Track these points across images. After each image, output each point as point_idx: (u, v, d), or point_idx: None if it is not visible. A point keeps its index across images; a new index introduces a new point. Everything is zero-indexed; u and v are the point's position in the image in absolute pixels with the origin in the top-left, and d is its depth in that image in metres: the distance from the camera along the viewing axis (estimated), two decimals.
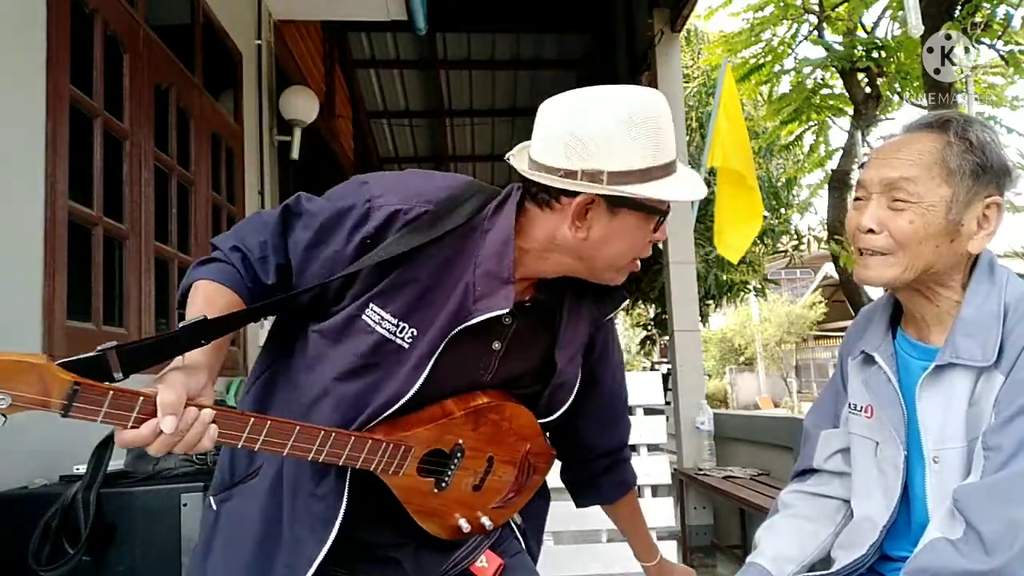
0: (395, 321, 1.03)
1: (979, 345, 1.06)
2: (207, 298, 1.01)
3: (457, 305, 1.04)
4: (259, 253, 1.06)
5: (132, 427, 0.84)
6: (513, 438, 1.19)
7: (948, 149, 1.07)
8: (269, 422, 0.94)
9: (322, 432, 0.98)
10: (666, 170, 1.00)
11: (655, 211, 1.03)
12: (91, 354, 0.83)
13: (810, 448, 1.31)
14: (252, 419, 0.93)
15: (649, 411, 1.87)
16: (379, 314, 1.03)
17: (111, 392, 0.82)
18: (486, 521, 1.20)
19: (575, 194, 0.99)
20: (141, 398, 0.84)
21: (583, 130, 0.97)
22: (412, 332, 1.03)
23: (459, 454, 1.13)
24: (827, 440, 1.28)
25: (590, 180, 0.97)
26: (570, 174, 0.98)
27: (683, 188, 1.01)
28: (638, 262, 1.09)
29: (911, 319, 1.19)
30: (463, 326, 1.03)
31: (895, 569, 1.16)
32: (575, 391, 1.19)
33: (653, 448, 1.84)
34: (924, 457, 1.11)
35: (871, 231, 1.10)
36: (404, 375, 1.03)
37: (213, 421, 0.89)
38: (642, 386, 1.86)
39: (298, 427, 0.96)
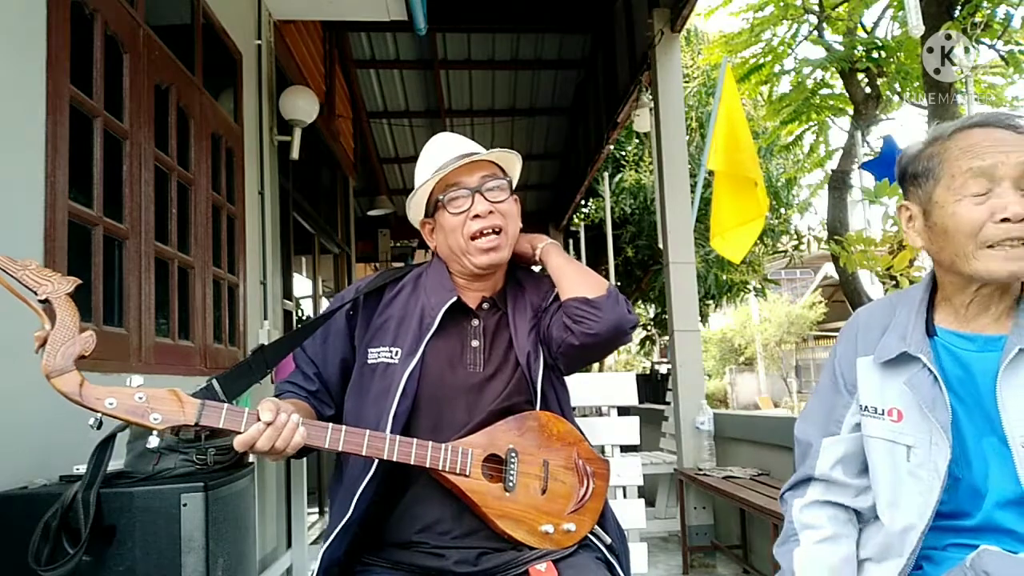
0: (387, 348, 1.39)
1: None
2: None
3: (420, 321, 1.40)
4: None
5: (244, 431, 1.14)
6: (559, 443, 1.38)
7: None
8: (344, 427, 1.22)
9: (388, 436, 1.25)
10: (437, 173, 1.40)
11: (445, 200, 1.40)
12: (205, 385, 1.25)
13: (811, 457, 1.29)
14: (331, 425, 1.21)
15: (623, 412, 1.84)
16: (377, 351, 1.40)
17: (226, 407, 1.15)
18: (569, 526, 1.33)
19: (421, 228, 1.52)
20: (247, 410, 1.16)
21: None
22: (397, 350, 1.38)
23: (514, 455, 1.32)
24: (829, 448, 1.27)
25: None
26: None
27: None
28: (486, 239, 1.39)
29: (960, 311, 1.18)
30: (431, 330, 1.38)
31: (1007, 532, 1.12)
32: (542, 365, 1.42)
33: (626, 449, 1.80)
34: (1009, 445, 1.11)
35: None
36: (400, 376, 1.34)
37: (301, 425, 1.18)
38: (615, 387, 1.82)
39: (367, 432, 1.23)
